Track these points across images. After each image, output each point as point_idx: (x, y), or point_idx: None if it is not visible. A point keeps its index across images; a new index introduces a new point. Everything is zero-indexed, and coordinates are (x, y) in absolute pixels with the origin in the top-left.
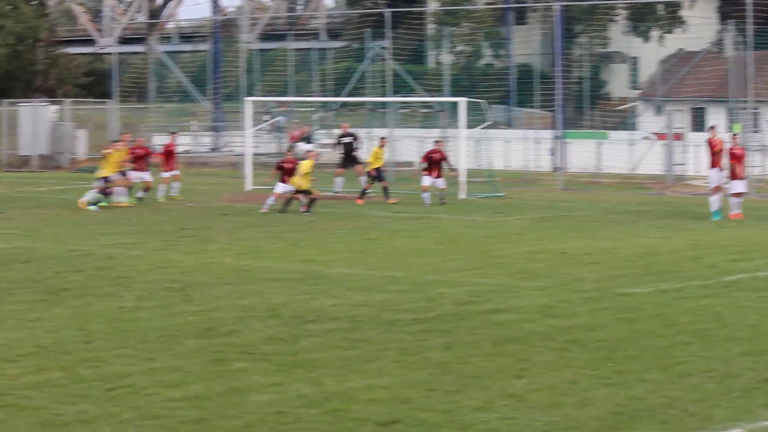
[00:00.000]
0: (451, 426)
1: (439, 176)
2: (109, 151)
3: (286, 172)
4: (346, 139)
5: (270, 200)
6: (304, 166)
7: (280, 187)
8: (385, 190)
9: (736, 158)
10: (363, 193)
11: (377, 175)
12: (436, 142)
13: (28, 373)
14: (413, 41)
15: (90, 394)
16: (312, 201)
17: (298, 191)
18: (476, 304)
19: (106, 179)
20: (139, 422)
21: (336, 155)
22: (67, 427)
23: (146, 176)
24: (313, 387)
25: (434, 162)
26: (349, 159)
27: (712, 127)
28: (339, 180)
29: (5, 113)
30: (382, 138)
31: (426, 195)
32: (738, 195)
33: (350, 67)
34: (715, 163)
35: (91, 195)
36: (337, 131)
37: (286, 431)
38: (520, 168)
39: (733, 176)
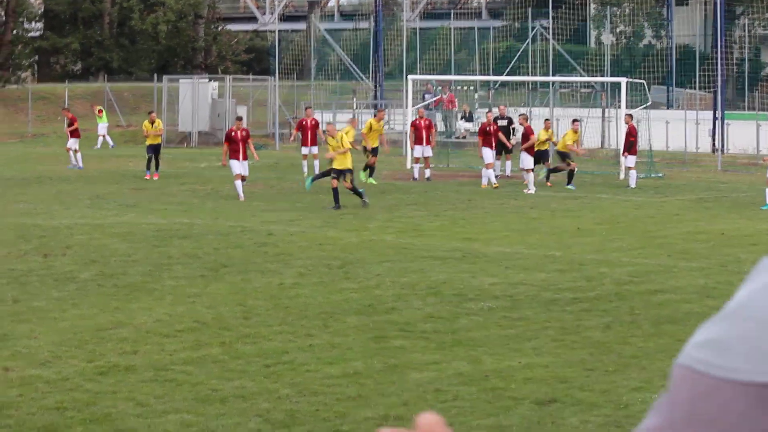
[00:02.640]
0: (608, 406)
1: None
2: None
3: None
4: (502, 122)
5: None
6: None
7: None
8: (549, 172)
9: None
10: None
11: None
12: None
13: (187, 349)
14: (575, 21)
15: (248, 370)
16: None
17: None
18: (636, 284)
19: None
20: (297, 398)
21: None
22: (224, 403)
23: None
24: (471, 365)
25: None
26: (503, 143)
27: None
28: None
29: (165, 89)
30: (546, 120)
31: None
32: None
33: (511, 46)
34: None
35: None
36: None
37: (444, 409)
38: (679, 148)
39: None
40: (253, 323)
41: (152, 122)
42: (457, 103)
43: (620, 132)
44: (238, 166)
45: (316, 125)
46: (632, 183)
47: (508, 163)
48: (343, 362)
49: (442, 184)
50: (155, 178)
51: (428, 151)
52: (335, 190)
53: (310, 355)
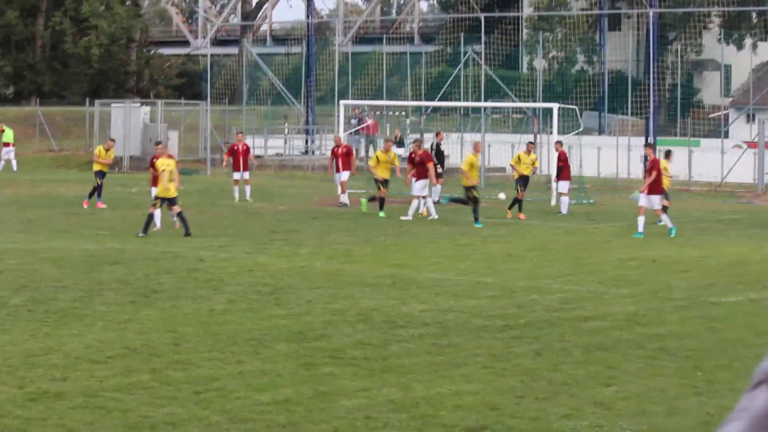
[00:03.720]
0: None
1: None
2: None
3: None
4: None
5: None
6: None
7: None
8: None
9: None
10: (514, 204)
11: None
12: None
13: (117, 375)
14: (507, 46)
15: (178, 397)
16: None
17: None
18: (567, 311)
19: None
20: (227, 425)
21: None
22: (154, 430)
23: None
24: (401, 392)
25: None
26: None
27: None
28: (437, 188)
29: (97, 113)
30: (530, 143)
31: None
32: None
33: (443, 71)
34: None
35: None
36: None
37: None
38: (611, 175)
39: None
40: (183, 350)
41: (107, 149)
42: (378, 129)
43: (552, 158)
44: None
45: (247, 150)
46: (564, 209)
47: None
48: (273, 389)
49: (372, 211)
50: (103, 207)
51: (344, 176)
52: (150, 216)
53: (240, 382)
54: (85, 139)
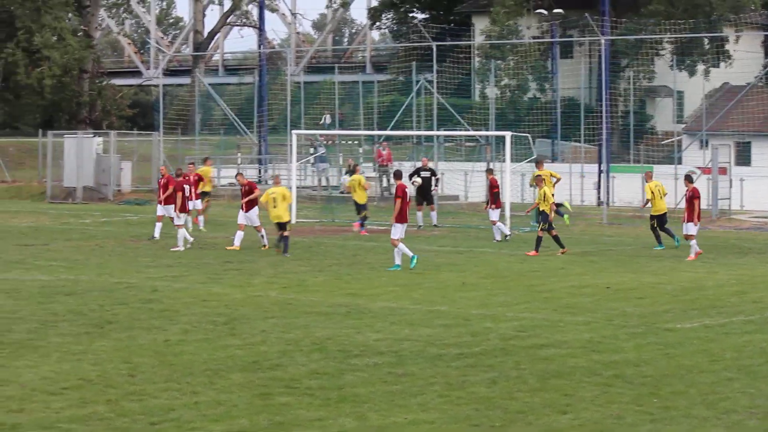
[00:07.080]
0: None
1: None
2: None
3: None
4: (425, 174)
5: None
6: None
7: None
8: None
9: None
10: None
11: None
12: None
13: (72, 407)
14: (459, 75)
15: (134, 428)
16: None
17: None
18: (522, 338)
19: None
20: None
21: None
22: None
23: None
24: (357, 422)
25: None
26: (425, 195)
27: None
28: (419, 215)
29: (50, 144)
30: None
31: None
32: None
33: (396, 100)
34: None
35: None
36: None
37: None
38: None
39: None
40: (138, 380)
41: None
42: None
43: (506, 185)
44: None
45: (197, 181)
46: (497, 236)
47: (434, 214)
48: (228, 419)
49: (326, 239)
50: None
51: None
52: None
53: (195, 413)
54: (38, 170)
